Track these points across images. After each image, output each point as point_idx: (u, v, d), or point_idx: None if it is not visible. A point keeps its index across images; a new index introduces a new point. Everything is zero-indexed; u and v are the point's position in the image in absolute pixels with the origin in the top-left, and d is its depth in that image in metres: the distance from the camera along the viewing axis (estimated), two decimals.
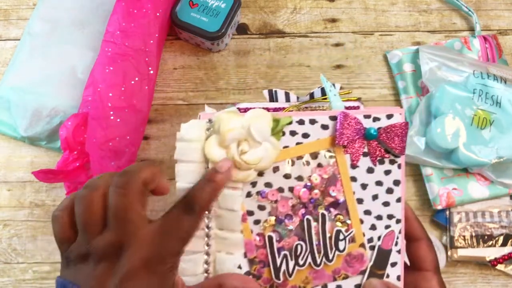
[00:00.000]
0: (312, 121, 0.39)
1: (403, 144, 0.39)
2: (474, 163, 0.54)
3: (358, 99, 0.53)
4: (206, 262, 0.37)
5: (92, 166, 0.49)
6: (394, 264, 0.40)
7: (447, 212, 0.56)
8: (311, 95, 0.52)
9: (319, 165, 0.39)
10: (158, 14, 0.56)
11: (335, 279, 0.39)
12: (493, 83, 0.56)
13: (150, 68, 0.54)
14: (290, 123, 0.38)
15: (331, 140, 0.39)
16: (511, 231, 0.55)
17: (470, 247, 0.55)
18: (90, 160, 0.49)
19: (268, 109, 0.40)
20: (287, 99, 0.52)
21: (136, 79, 0.53)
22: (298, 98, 0.52)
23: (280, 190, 0.39)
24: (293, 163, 0.39)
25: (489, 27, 0.64)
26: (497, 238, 0.55)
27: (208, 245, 0.37)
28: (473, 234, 0.55)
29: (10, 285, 0.55)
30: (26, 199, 0.58)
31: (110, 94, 0.50)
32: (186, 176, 0.37)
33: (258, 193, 0.38)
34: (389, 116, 0.40)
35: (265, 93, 0.52)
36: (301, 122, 0.38)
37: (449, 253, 0.55)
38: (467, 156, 0.54)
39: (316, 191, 0.39)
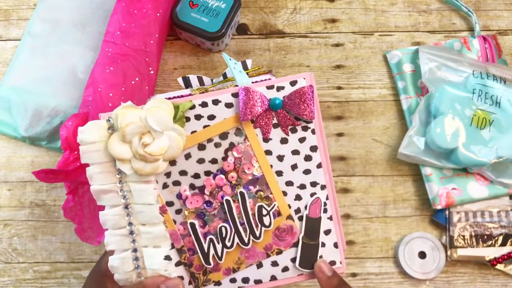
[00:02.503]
0: (215, 102, 0.38)
1: (311, 108, 0.38)
2: (474, 163, 0.54)
3: (269, 71, 0.52)
4: (135, 259, 0.38)
5: None
6: (328, 232, 0.40)
7: (447, 212, 0.56)
8: (224, 76, 0.50)
9: (231, 145, 0.39)
10: (158, 14, 0.56)
11: (268, 256, 0.39)
12: (493, 83, 0.56)
13: (150, 68, 0.55)
14: (193, 107, 0.38)
15: (237, 117, 0.39)
16: (510, 231, 0.56)
17: (469, 246, 0.55)
18: None
19: (181, 96, 0.41)
20: (201, 83, 0.51)
21: (137, 79, 0.53)
22: (212, 80, 0.51)
23: (196, 176, 0.39)
24: (203, 147, 0.39)
25: (488, 27, 0.65)
26: (496, 238, 0.55)
27: (134, 241, 0.38)
28: (473, 234, 0.55)
29: (10, 285, 0.55)
30: (27, 199, 0.58)
31: (111, 94, 0.51)
32: (98, 178, 0.38)
33: (174, 183, 0.38)
34: (293, 83, 0.39)
35: (180, 80, 0.50)
36: (204, 104, 0.38)
37: (448, 252, 0.55)
38: (467, 156, 0.54)
39: (232, 174, 0.39)
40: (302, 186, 0.40)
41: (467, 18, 0.65)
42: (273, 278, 0.39)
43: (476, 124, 0.55)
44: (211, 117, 0.39)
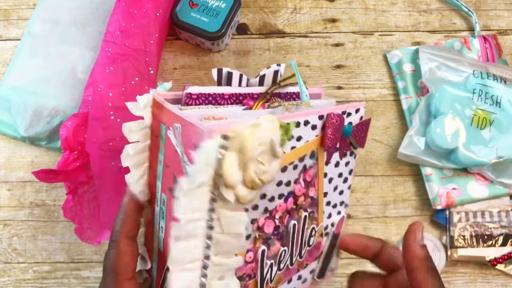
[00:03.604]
0: (306, 123, 0.34)
1: (366, 138, 0.40)
2: (474, 163, 0.54)
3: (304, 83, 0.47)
4: (203, 285, 0.30)
5: (92, 166, 0.49)
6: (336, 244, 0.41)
7: (447, 212, 0.56)
8: (261, 77, 0.43)
9: (304, 168, 0.36)
10: (158, 14, 0.56)
11: (298, 271, 0.39)
12: (493, 83, 0.56)
13: (150, 68, 0.54)
14: (298, 125, 0.34)
15: (317, 141, 0.36)
16: (510, 231, 0.56)
17: (470, 247, 0.55)
18: (90, 160, 0.49)
19: (227, 95, 0.36)
20: (240, 81, 0.43)
21: (136, 79, 0.53)
22: (248, 80, 0.44)
23: (271, 199, 0.34)
24: (285, 169, 0.34)
25: (488, 27, 0.65)
26: (496, 238, 0.55)
27: (204, 276, 0.30)
28: (473, 234, 0.55)
29: (10, 285, 0.55)
30: (27, 199, 0.58)
31: (110, 94, 0.50)
32: (189, 206, 0.29)
33: (254, 207, 0.33)
34: (357, 111, 0.39)
35: (214, 72, 0.40)
36: (297, 124, 0.34)
37: (449, 253, 0.55)
38: (467, 156, 0.54)
39: (302, 198, 0.36)
40: (334, 205, 0.40)
41: (467, 18, 0.65)
42: None
43: (476, 124, 0.55)
44: (299, 138, 0.34)
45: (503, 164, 0.55)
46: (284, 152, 0.33)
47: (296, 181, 0.35)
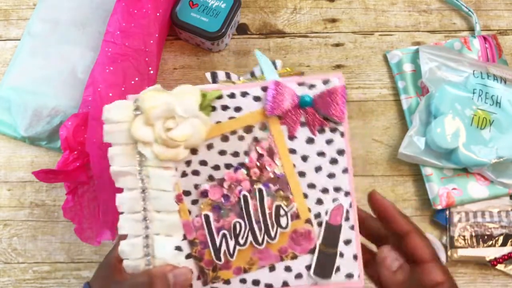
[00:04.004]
0: (244, 94, 0.37)
1: (342, 109, 0.37)
2: (474, 163, 0.54)
3: (301, 73, 0.50)
4: (146, 246, 0.36)
5: (92, 166, 0.49)
6: (348, 242, 0.37)
7: (447, 212, 0.56)
8: (252, 73, 0.49)
9: (255, 139, 0.37)
10: (158, 14, 0.56)
11: (282, 259, 0.37)
12: (493, 83, 0.56)
13: (150, 68, 0.54)
14: (220, 97, 0.37)
15: (264, 111, 0.37)
16: (511, 231, 0.55)
17: (470, 247, 0.55)
18: (90, 160, 0.49)
19: None
20: (228, 78, 0.50)
21: (136, 79, 0.53)
22: (239, 77, 0.49)
23: (216, 167, 0.37)
24: (227, 139, 0.37)
25: (489, 27, 0.65)
26: (497, 238, 0.55)
27: (146, 228, 0.36)
28: (473, 234, 0.55)
29: (10, 285, 0.55)
30: (27, 199, 0.58)
31: (110, 94, 0.50)
32: (118, 159, 0.37)
33: (194, 172, 0.37)
34: (325, 82, 0.37)
35: (207, 75, 0.49)
36: (232, 95, 0.37)
37: (449, 253, 0.55)
38: (467, 156, 0.54)
39: (254, 170, 0.37)
40: (325, 190, 0.38)
41: (467, 18, 0.65)
42: (285, 284, 0.37)
43: (477, 124, 0.55)
44: (238, 109, 0.37)
45: (503, 164, 0.55)
46: (220, 121, 0.37)
47: (246, 153, 0.37)
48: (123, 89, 0.52)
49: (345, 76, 0.62)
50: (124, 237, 0.37)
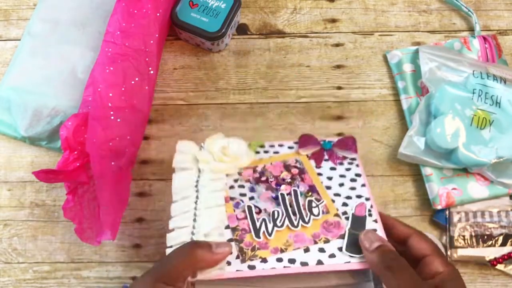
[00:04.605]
0: (281, 145, 0.51)
1: (354, 150, 0.49)
2: (474, 163, 0.54)
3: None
4: (192, 233, 0.42)
5: (92, 166, 0.49)
6: (374, 230, 0.42)
7: (447, 212, 0.56)
8: None
9: (287, 167, 0.48)
10: (158, 14, 0.56)
11: (316, 243, 0.41)
12: (493, 83, 0.56)
13: (150, 68, 0.54)
14: (262, 146, 0.50)
15: (296, 153, 0.50)
16: (510, 231, 0.56)
17: (469, 247, 0.55)
18: (90, 160, 0.49)
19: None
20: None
21: (136, 79, 0.53)
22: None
23: (257, 183, 0.47)
24: (266, 167, 0.48)
25: (488, 27, 0.65)
26: (496, 238, 0.55)
27: (195, 220, 0.43)
28: (473, 234, 0.55)
29: (10, 285, 0.55)
30: (27, 199, 0.58)
31: (110, 94, 0.50)
32: (181, 178, 0.47)
33: (239, 186, 0.47)
34: (339, 134, 0.52)
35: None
36: (271, 145, 0.51)
37: (448, 253, 0.55)
38: (467, 156, 0.54)
39: (290, 181, 0.47)
40: (349, 197, 0.45)
41: (467, 18, 0.65)
42: (320, 262, 0.40)
43: (476, 124, 0.55)
44: (276, 152, 0.50)
45: (503, 164, 0.55)
46: (262, 158, 0.50)
47: (282, 172, 0.48)
48: (123, 89, 0.52)
49: (345, 76, 0.63)
50: (171, 230, 0.42)
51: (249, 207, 0.44)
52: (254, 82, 0.62)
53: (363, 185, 0.46)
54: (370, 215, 0.43)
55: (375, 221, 0.43)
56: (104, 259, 0.56)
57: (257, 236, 0.42)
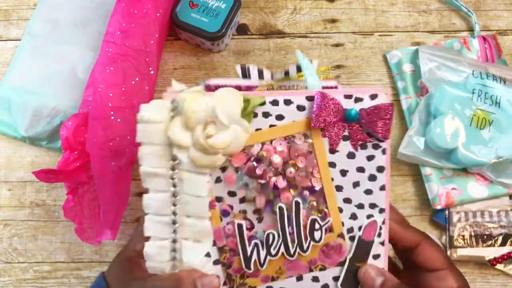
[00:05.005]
0: (287, 102, 0.35)
1: (388, 127, 0.35)
2: (474, 163, 0.54)
3: (336, 78, 0.47)
4: (173, 250, 0.36)
5: (92, 166, 0.49)
6: (376, 257, 0.37)
7: (447, 212, 0.56)
8: (286, 73, 0.46)
9: (292, 154, 0.36)
10: (158, 14, 0.56)
11: (311, 270, 0.37)
12: (493, 83, 0.56)
13: (150, 68, 0.55)
14: (263, 103, 0.35)
15: (307, 122, 0.36)
16: (510, 230, 0.56)
17: (469, 246, 0.55)
18: (91, 160, 0.49)
19: (239, 87, 0.37)
20: (261, 76, 0.46)
21: (137, 79, 0.53)
22: (272, 75, 0.47)
23: (251, 176, 0.36)
24: (265, 148, 0.36)
25: (488, 28, 0.65)
26: (496, 238, 0.55)
27: (175, 232, 0.35)
28: (472, 233, 0.55)
29: (10, 285, 0.55)
30: (27, 199, 0.58)
31: (111, 94, 0.51)
32: (149, 159, 0.35)
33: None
34: (373, 97, 0.36)
35: (238, 68, 0.44)
36: (275, 102, 0.35)
37: (448, 252, 0.55)
38: (467, 156, 0.54)
39: (293, 181, 0.36)
40: (360, 206, 0.37)
41: (467, 18, 0.65)
42: None
43: (476, 124, 0.55)
44: (279, 117, 0.36)
45: (502, 164, 0.55)
46: (260, 129, 0.35)
47: (285, 163, 0.36)
48: (123, 89, 0.52)
49: (345, 76, 0.63)
50: (147, 238, 0.36)
51: (240, 226, 0.36)
52: None
53: (382, 188, 0.37)
54: (379, 235, 0.37)
55: (382, 243, 0.37)
56: (104, 259, 0.56)
57: (248, 266, 0.36)
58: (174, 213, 0.35)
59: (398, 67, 0.61)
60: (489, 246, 0.55)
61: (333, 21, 0.65)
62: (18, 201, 0.58)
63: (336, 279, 0.37)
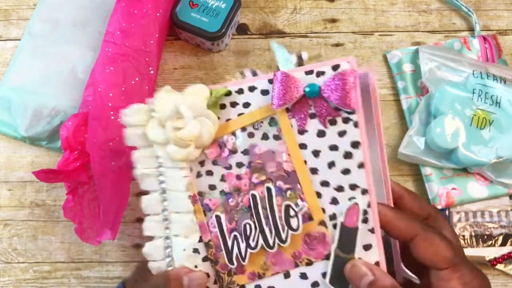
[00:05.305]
0: (251, 88, 0.36)
1: (353, 96, 0.33)
2: (474, 163, 0.54)
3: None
4: (167, 247, 0.37)
5: (92, 166, 0.49)
6: (367, 247, 0.34)
7: (447, 212, 0.56)
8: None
9: (264, 136, 0.36)
10: (158, 14, 0.56)
11: (297, 265, 0.35)
12: (493, 83, 0.56)
13: (150, 68, 0.54)
14: (229, 94, 0.36)
15: (270, 107, 0.35)
16: (510, 230, 0.56)
17: (469, 246, 0.55)
18: (91, 160, 0.49)
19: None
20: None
21: (137, 79, 0.53)
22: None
23: (228, 167, 0.37)
24: (236, 137, 0.36)
25: (488, 27, 0.65)
26: (496, 238, 0.55)
27: (167, 229, 0.37)
28: (473, 233, 0.55)
29: (10, 285, 0.55)
30: (27, 199, 0.58)
31: (111, 94, 0.51)
32: (141, 162, 0.37)
33: (207, 172, 0.37)
34: (335, 67, 0.34)
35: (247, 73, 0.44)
36: (240, 91, 0.36)
37: None
38: (467, 156, 0.54)
39: (264, 168, 0.36)
40: (340, 188, 0.34)
41: (467, 18, 0.65)
42: None
43: (476, 124, 0.55)
44: (246, 105, 0.36)
45: (503, 164, 0.55)
46: (230, 119, 0.37)
47: (254, 151, 0.36)
48: (123, 89, 0.52)
49: None
50: (150, 239, 0.37)
51: (218, 218, 0.36)
52: None
53: (361, 165, 0.34)
54: (365, 221, 0.34)
55: (371, 230, 0.34)
56: (104, 259, 0.56)
57: (230, 261, 0.36)
58: (165, 210, 0.37)
59: (398, 67, 0.61)
60: (489, 246, 0.55)
61: (333, 21, 0.65)
62: (18, 201, 0.58)
63: (325, 274, 0.34)
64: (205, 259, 0.37)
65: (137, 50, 0.54)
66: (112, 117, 0.50)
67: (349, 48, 0.63)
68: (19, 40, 0.62)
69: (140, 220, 0.57)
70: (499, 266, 0.55)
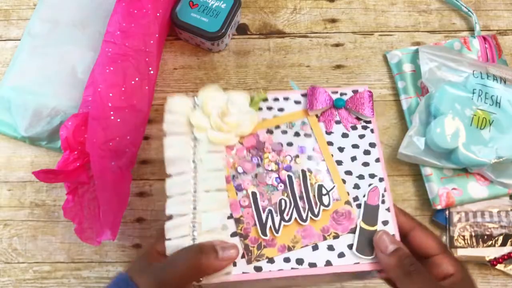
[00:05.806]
0: (286, 98, 0.45)
1: (370, 109, 0.44)
2: (474, 163, 0.54)
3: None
4: (193, 223, 0.39)
5: (92, 166, 0.49)
6: (386, 223, 0.40)
7: (447, 212, 0.56)
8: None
9: (296, 134, 0.44)
10: (158, 14, 0.56)
11: (325, 238, 0.40)
12: (493, 83, 0.56)
13: (150, 68, 0.54)
14: (265, 100, 0.45)
15: (304, 112, 0.45)
16: (510, 231, 0.56)
17: (469, 247, 0.55)
18: (90, 160, 0.49)
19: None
20: None
21: (136, 79, 0.53)
22: None
23: (259, 156, 0.43)
24: (271, 132, 0.44)
25: (488, 27, 0.65)
26: (496, 238, 0.55)
27: (194, 207, 0.40)
28: (473, 234, 0.55)
29: (10, 285, 0.55)
30: (27, 199, 0.58)
31: (110, 94, 0.50)
32: (174, 146, 0.41)
33: (241, 159, 0.42)
34: (355, 91, 0.45)
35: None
36: (276, 99, 0.45)
37: None
38: (467, 156, 0.54)
39: (297, 159, 0.43)
40: (361, 177, 0.42)
41: (467, 18, 0.65)
42: (328, 263, 0.39)
43: (476, 124, 0.55)
44: (281, 110, 0.44)
45: (503, 164, 0.55)
46: (266, 119, 0.44)
47: (288, 144, 0.43)
48: (123, 89, 0.52)
49: (345, 76, 0.63)
50: (169, 217, 0.39)
51: (254, 194, 0.41)
52: (254, 82, 0.62)
53: (377, 160, 0.43)
54: (383, 202, 0.41)
55: (388, 209, 0.41)
56: (104, 259, 0.56)
57: (264, 233, 0.39)
58: (195, 191, 0.40)
59: (398, 67, 0.61)
60: (489, 246, 0.55)
61: (333, 21, 0.65)
62: (18, 201, 0.58)
63: (350, 246, 0.39)
64: (233, 234, 0.39)
65: (137, 50, 0.53)
66: (112, 117, 0.50)
67: (349, 48, 0.63)
68: (19, 40, 0.62)
69: (140, 220, 0.57)
70: (499, 266, 0.55)
